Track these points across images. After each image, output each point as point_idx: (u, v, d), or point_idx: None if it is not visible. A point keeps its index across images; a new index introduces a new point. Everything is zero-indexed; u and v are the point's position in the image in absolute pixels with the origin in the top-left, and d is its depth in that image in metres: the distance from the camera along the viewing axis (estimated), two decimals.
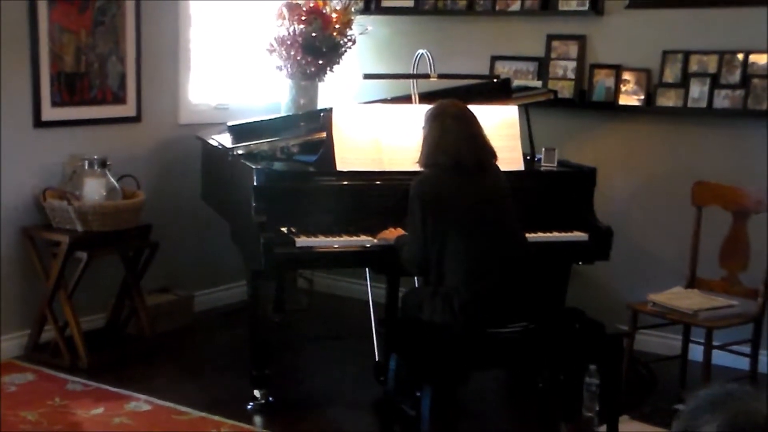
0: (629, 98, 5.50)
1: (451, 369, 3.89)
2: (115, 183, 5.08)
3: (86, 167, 5.02)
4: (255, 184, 4.28)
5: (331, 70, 5.86)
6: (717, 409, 1.56)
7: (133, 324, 5.40)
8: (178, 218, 5.79)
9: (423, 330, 3.91)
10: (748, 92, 5.12)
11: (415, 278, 4.88)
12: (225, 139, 4.93)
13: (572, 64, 5.69)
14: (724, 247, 4.92)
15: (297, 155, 4.82)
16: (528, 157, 4.88)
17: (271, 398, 4.54)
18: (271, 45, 5.76)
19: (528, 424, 4.59)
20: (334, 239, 4.30)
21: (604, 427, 4.18)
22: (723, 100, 5.20)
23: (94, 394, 4.63)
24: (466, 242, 3.86)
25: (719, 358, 4.78)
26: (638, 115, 5.52)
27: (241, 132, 4.90)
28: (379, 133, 4.52)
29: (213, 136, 5.12)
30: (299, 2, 5.73)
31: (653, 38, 5.42)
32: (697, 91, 5.28)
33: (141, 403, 4.53)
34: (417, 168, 4.26)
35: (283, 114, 5.75)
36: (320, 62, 5.74)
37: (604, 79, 5.59)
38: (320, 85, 5.91)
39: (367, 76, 5.17)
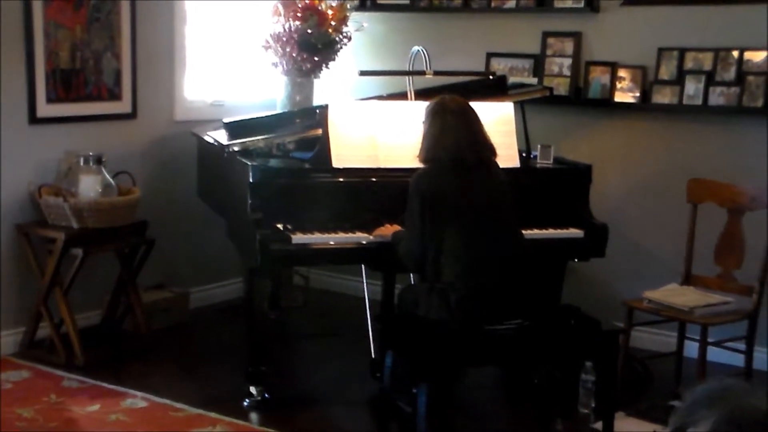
0: (625, 95, 5.50)
1: (447, 365, 3.90)
2: (110, 180, 5.08)
3: (82, 164, 5.01)
4: (251, 180, 4.28)
5: (326, 66, 5.86)
6: (713, 404, 1.56)
7: (128, 321, 5.40)
8: (173, 215, 5.79)
9: (419, 326, 3.92)
10: (743, 89, 5.13)
11: (411, 275, 4.90)
12: (221, 136, 4.93)
13: (568, 61, 5.70)
14: (720, 244, 4.93)
15: (293, 152, 4.82)
16: (524, 154, 4.88)
17: (267, 395, 4.54)
18: (267, 41, 5.76)
19: (524, 421, 4.59)
20: (330, 236, 4.30)
21: (599, 424, 4.19)
22: (718, 97, 5.21)
23: (90, 391, 4.63)
24: (464, 238, 3.86)
25: (714, 354, 4.79)
26: (634, 112, 5.53)
27: (236, 129, 4.90)
28: (374, 130, 4.52)
29: (209, 133, 5.11)
30: None
31: (649, 35, 5.42)
32: (693, 88, 5.28)
33: (137, 400, 4.53)
34: (413, 165, 4.26)
35: (278, 111, 5.75)
36: (316, 59, 5.74)
37: (599, 76, 5.59)
38: (316, 81, 5.91)
39: (363, 73, 5.17)
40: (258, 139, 4.72)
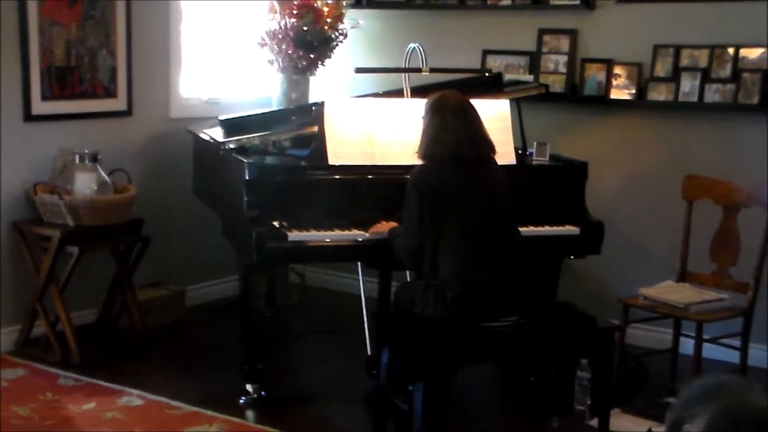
0: (620, 92, 5.51)
1: (444, 363, 3.90)
2: (106, 177, 5.07)
3: (77, 161, 5.00)
4: (247, 178, 4.28)
5: (322, 64, 5.87)
6: (710, 400, 1.56)
7: (124, 319, 5.39)
8: (169, 212, 5.78)
9: (415, 324, 3.92)
10: (739, 86, 5.13)
11: (407, 272, 4.89)
12: (216, 133, 4.93)
13: (563, 59, 5.70)
14: (715, 241, 4.93)
15: (289, 149, 4.82)
16: (520, 151, 4.89)
17: (263, 393, 4.54)
18: (263, 39, 5.76)
19: (520, 418, 4.59)
20: (326, 233, 4.30)
21: (595, 421, 4.20)
22: (714, 94, 5.21)
23: (86, 389, 4.63)
24: (461, 235, 3.87)
25: (710, 351, 4.80)
26: (629, 109, 5.53)
27: (232, 126, 4.90)
28: (370, 127, 4.52)
29: (204, 130, 5.11)
30: None
31: (644, 32, 5.43)
32: (688, 85, 5.28)
33: (133, 397, 4.53)
34: (409, 162, 4.27)
35: (274, 108, 5.75)
36: (311, 56, 5.74)
37: (595, 74, 5.59)
38: (311, 79, 5.92)
39: (359, 70, 5.17)
40: (254, 137, 4.72)
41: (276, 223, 4.26)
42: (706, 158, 5.26)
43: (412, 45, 5.01)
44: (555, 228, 4.62)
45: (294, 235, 4.23)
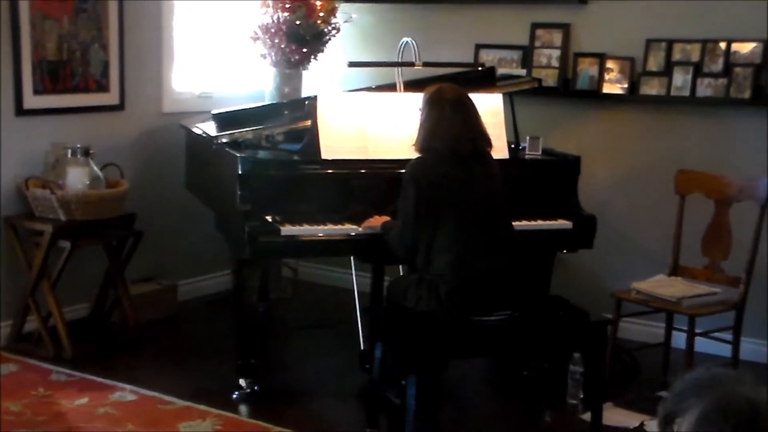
0: (613, 87, 5.51)
1: (437, 357, 3.90)
2: (98, 172, 5.07)
3: (69, 156, 5.00)
4: (240, 172, 4.27)
5: (315, 58, 5.86)
6: (702, 392, 1.57)
7: (117, 314, 5.39)
8: (162, 207, 5.77)
9: (408, 318, 3.92)
10: (731, 81, 5.14)
11: (400, 267, 4.90)
12: (209, 128, 4.92)
13: (556, 53, 5.70)
14: (707, 235, 4.94)
15: (282, 144, 4.81)
16: (512, 146, 4.89)
17: (256, 387, 4.54)
18: (255, 33, 5.75)
19: (513, 412, 4.60)
20: (319, 228, 4.30)
21: (588, 415, 4.20)
22: (706, 88, 5.22)
23: (79, 384, 4.62)
24: (457, 229, 3.87)
25: (702, 345, 4.80)
26: (622, 103, 5.54)
27: (225, 120, 4.89)
28: (364, 122, 4.52)
29: (197, 125, 5.10)
30: None
31: (637, 27, 5.43)
32: (680, 79, 5.29)
33: (126, 392, 4.52)
34: (402, 156, 4.27)
35: (267, 102, 5.74)
36: (304, 50, 5.73)
37: (587, 68, 5.59)
38: (304, 73, 5.91)
39: (352, 64, 5.16)
40: (247, 131, 4.71)
41: (269, 218, 4.26)
42: (698, 153, 5.27)
43: (405, 39, 5.01)
44: (548, 222, 4.62)
45: (287, 230, 4.23)
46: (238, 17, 6.09)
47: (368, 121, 4.52)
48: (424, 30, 5.85)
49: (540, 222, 4.60)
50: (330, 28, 5.83)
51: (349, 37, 6.16)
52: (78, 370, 4.78)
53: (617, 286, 5.00)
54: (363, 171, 4.45)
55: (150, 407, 4.37)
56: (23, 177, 5.01)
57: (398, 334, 3.97)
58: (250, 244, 4.17)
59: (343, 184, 4.44)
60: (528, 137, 4.94)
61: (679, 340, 4.88)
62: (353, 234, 4.31)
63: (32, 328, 5.08)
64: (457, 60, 5.60)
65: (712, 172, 5.00)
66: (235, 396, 4.51)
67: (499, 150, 4.60)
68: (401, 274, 4.83)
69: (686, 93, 5.26)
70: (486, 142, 4.07)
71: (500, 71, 5.50)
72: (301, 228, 4.26)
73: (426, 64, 4.95)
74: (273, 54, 5.74)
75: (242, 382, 4.54)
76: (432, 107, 4.02)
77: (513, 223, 4.24)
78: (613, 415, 4.36)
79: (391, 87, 4.92)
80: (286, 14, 5.66)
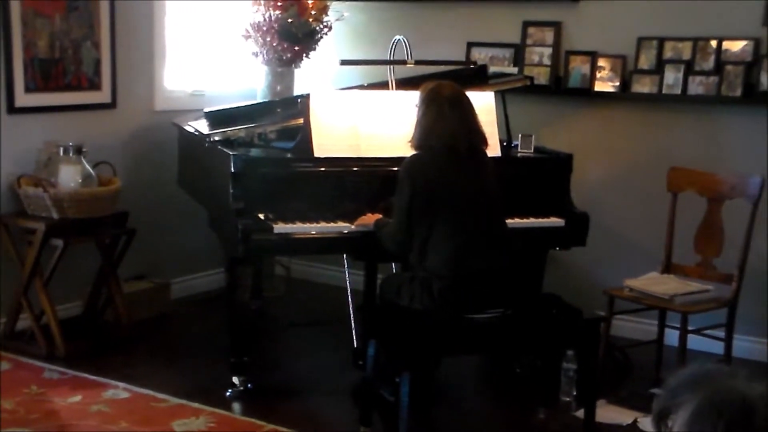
0: (605, 85, 5.52)
1: (430, 355, 3.91)
2: (90, 170, 5.06)
3: (61, 154, 4.98)
4: (232, 170, 4.27)
5: (307, 56, 5.86)
6: (696, 388, 1.57)
7: (109, 312, 5.38)
8: (154, 205, 5.77)
9: (401, 316, 3.93)
10: (722, 79, 5.15)
11: (393, 264, 4.90)
12: (202, 126, 4.92)
13: (548, 51, 5.71)
14: (699, 233, 4.96)
15: (274, 142, 4.81)
16: (505, 144, 4.89)
17: (249, 385, 4.54)
18: (247, 31, 5.75)
19: (506, 410, 4.61)
20: (312, 225, 4.30)
21: (581, 412, 4.21)
22: (697, 86, 5.23)
23: (72, 382, 4.62)
24: (453, 226, 3.87)
25: (694, 342, 4.82)
26: (614, 101, 5.54)
27: (218, 118, 4.89)
28: (356, 120, 4.52)
29: (190, 123, 5.10)
30: None
31: (628, 25, 5.44)
32: (672, 77, 5.30)
33: (119, 390, 4.52)
34: (395, 154, 4.28)
35: (259, 100, 5.74)
36: (296, 48, 5.73)
37: (579, 66, 5.60)
38: (296, 71, 5.91)
39: (344, 62, 5.17)
40: (239, 129, 4.71)
41: (262, 216, 4.26)
42: (690, 150, 5.28)
43: (397, 37, 5.01)
44: (540, 220, 4.63)
45: (280, 228, 4.23)
46: (230, 15, 6.09)
47: (361, 119, 4.53)
48: (416, 28, 5.85)
49: (532, 220, 4.61)
50: (322, 26, 5.83)
51: (341, 36, 6.16)
52: (71, 368, 4.77)
53: (610, 283, 5.01)
54: (355, 169, 4.45)
55: (143, 405, 4.37)
56: (15, 175, 5.00)
57: (391, 332, 3.97)
58: (243, 242, 4.17)
59: (336, 182, 4.44)
60: (520, 135, 4.94)
61: (671, 337, 4.89)
62: (346, 232, 4.31)
63: (25, 326, 5.07)
64: (449, 58, 5.61)
65: (704, 169, 5.01)
66: (228, 394, 4.51)
67: (492, 148, 4.59)
68: (394, 271, 4.83)
69: (678, 91, 5.28)
70: (482, 140, 4.08)
71: (492, 69, 5.50)
72: (294, 226, 4.27)
73: (418, 62, 4.96)
74: (265, 52, 5.74)
75: (235, 379, 4.54)
76: (429, 104, 4.02)
77: (506, 221, 4.25)
78: (606, 412, 4.37)
79: (383, 85, 4.93)
80: (278, 12, 5.66)
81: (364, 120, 4.53)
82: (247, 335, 4.65)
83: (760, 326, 5.14)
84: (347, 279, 5.06)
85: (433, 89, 4.06)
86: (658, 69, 5.34)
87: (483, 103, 4.69)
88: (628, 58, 5.46)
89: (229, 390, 4.52)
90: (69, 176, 4.95)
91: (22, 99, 5.07)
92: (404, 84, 4.84)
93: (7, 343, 5.03)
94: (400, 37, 4.99)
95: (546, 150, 5.01)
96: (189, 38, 6.09)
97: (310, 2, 5.75)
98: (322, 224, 4.31)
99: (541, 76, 5.69)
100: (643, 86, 5.39)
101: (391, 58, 5.03)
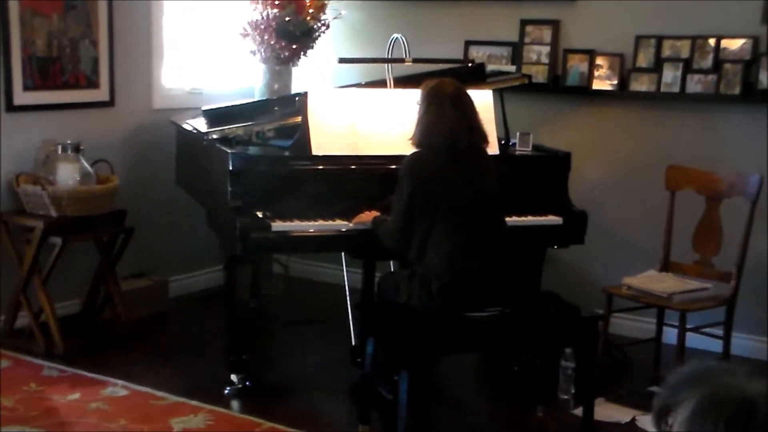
0: (603, 83, 5.52)
1: (428, 353, 3.91)
2: (89, 168, 5.06)
3: (59, 152, 4.98)
4: (230, 168, 4.27)
5: (305, 54, 5.86)
6: (696, 385, 1.57)
7: (108, 310, 5.38)
8: (152, 203, 5.77)
9: (400, 314, 3.93)
10: (721, 77, 5.15)
11: (391, 262, 4.90)
12: (200, 124, 4.92)
13: (546, 49, 5.71)
14: (698, 231, 4.96)
15: (272, 140, 4.81)
16: (503, 142, 4.89)
17: (248, 383, 4.54)
18: (245, 29, 5.75)
19: (504, 408, 4.61)
20: (310, 223, 4.30)
21: (579, 410, 4.22)
22: (696, 84, 5.23)
23: (70, 379, 4.62)
24: (452, 224, 3.87)
25: (693, 340, 4.82)
26: (612, 99, 5.55)
27: (216, 116, 4.89)
28: (354, 118, 4.52)
29: (188, 121, 5.10)
30: None
31: (626, 23, 5.44)
32: (670, 75, 5.30)
33: (118, 388, 4.52)
34: (393, 152, 4.28)
35: (257, 99, 5.74)
36: (294, 47, 5.73)
37: (577, 64, 5.60)
38: (294, 69, 5.91)
39: (342, 60, 5.17)
40: (237, 127, 4.71)
41: (260, 214, 4.26)
42: (688, 149, 5.28)
43: (395, 35, 5.01)
44: (538, 218, 4.63)
45: (278, 226, 4.23)
46: (228, 13, 6.08)
47: (359, 117, 4.53)
48: (414, 26, 5.85)
49: (530, 218, 4.61)
50: (320, 24, 5.84)
51: (338, 34, 6.16)
52: (70, 365, 4.77)
53: (608, 281, 5.01)
54: (353, 167, 4.45)
55: (142, 402, 4.37)
56: (14, 173, 5.00)
57: (390, 330, 3.97)
58: (241, 240, 4.17)
59: (334, 180, 4.44)
60: (518, 133, 4.95)
61: (670, 335, 4.90)
62: (344, 230, 4.32)
63: (24, 323, 5.07)
64: (447, 56, 5.60)
65: (702, 168, 5.02)
66: (227, 391, 4.51)
67: (490, 146, 4.61)
68: (392, 269, 4.83)
69: (676, 89, 5.28)
70: (483, 138, 4.08)
71: (490, 68, 5.50)
72: (292, 224, 4.27)
73: (416, 61, 4.95)
74: (263, 50, 5.74)
75: (234, 377, 4.54)
76: (431, 102, 4.01)
77: (505, 220, 4.25)
78: (604, 411, 4.37)
79: (381, 83, 4.93)
80: (275, 11, 5.66)
81: (362, 118, 4.53)
82: (246, 333, 4.66)
83: (759, 324, 5.15)
84: (345, 277, 5.06)
85: (435, 87, 4.05)
86: (657, 67, 5.34)
87: (481, 101, 4.67)
88: (626, 57, 5.46)
89: (228, 388, 4.52)
90: (67, 174, 4.95)
91: (21, 97, 5.07)
92: (402, 82, 4.85)
93: (6, 340, 5.03)
94: (398, 36, 4.99)
95: (544, 148, 5.01)
96: (187, 36, 6.09)
97: (307, 1, 5.75)
98: (320, 222, 4.32)
99: (539, 75, 5.69)
100: (641, 85, 5.39)
101: (389, 57, 5.03)
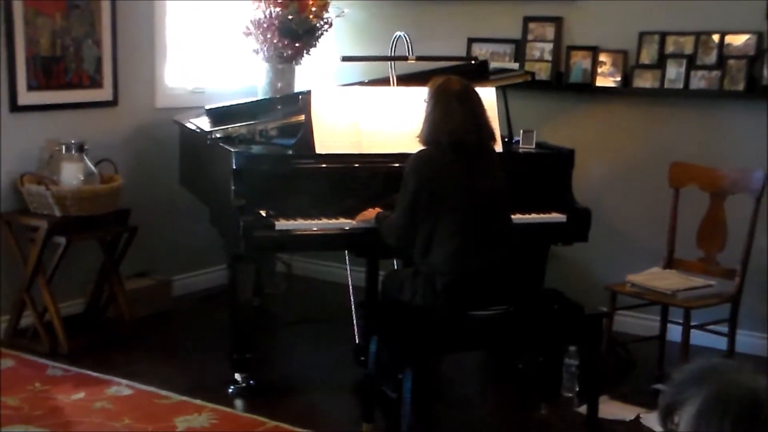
0: (606, 80, 5.51)
1: (432, 351, 3.91)
2: (92, 167, 5.06)
3: (63, 152, 4.99)
4: (234, 167, 4.28)
5: (307, 53, 5.85)
6: (702, 382, 1.57)
7: (112, 309, 5.38)
8: (156, 202, 5.77)
9: (404, 312, 3.92)
10: (724, 73, 5.14)
11: (395, 261, 4.90)
12: (203, 123, 4.92)
13: (549, 46, 5.70)
14: (702, 228, 4.95)
15: (275, 138, 4.81)
16: (506, 139, 4.89)
17: (252, 381, 4.54)
18: (248, 28, 5.75)
19: (508, 406, 4.60)
20: (313, 222, 4.30)
21: (583, 408, 4.21)
22: (699, 81, 5.22)
23: (75, 379, 4.62)
24: (457, 222, 3.86)
25: (697, 338, 4.81)
26: (615, 96, 5.54)
27: (219, 115, 4.89)
28: (357, 116, 4.52)
29: (191, 120, 5.10)
30: None
31: (629, 19, 5.43)
32: (674, 72, 5.29)
33: (122, 387, 4.52)
34: (396, 150, 4.28)
35: (260, 97, 5.74)
36: (297, 45, 5.73)
37: (580, 61, 5.60)
38: (297, 68, 5.90)
39: (345, 59, 5.16)
40: (241, 126, 4.71)
41: (263, 212, 4.26)
42: (692, 145, 5.27)
43: (397, 33, 5.01)
44: (542, 215, 4.63)
45: (281, 224, 4.23)
46: (231, 12, 6.08)
47: (362, 115, 4.53)
48: (417, 24, 5.85)
49: (534, 215, 4.61)
50: (322, 23, 5.83)
51: (341, 32, 6.16)
52: (74, 365, 4.77)
53: (612, 279, 5.01)
54: (357, 165, 4.45)
55: (146, 402, 4.37)
56: (18, 173, 5.00)
57: (394, 328, 3.97)
58: (244, 239, 4.18)
59: (337, 179, 4.44)
60: (521, 131, 4.95)
61: (674, 332, 4.89)
62: (347, 228, 4.32)
63: (28, 323, 5.07)
64: (450, 54, 5.60)
65: (706, 164, 5.01)
66: (230, 390, 4.51)
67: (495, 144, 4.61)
68: (396, 268, 4.83)
69: (680, 86, 5.27)
70: (490, 135, 4.07)
71: (493, 65, 5.49)
72: (296, 222, 4.27)
73: (419, 58, 4.95)
74: (265, 49, 5.74)
75: (238, 376, 4.54)
76: (438, 99, 4.00)
77: (511, 218, 4.24)
78: (608, 408, 4.37)
79: (384, 81, 4.93)
80: (278, 9, 5.66)
81: (365, 116, 4.53)
82: (249, 332, 4.65)
83: (764, 321, 5.14)
84: (348, 275, 5.06)
85: (442, 84, 4.04)
86: (660, 64, 5.33)
87: (484, 98, 4.65)
88: (629, 53, 5.45)
89: (232, 387, 4.52)
90: (71, 174, 4.95)
91: (25, 97, 5.08)
92: (405, 80, 4.84)
93: (10, 340, 5.04)
94: (401, 33, 4.98)
95: (547, 145, 5.01)
96: (190, 35, 6.09)
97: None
98: (324, 221, 4.32)
99: (542, 72, 5.68)
100: (644, 81, 5.38)
101: (392, 54, 5.03)
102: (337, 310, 5.39)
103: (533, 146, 4.93)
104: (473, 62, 5.35)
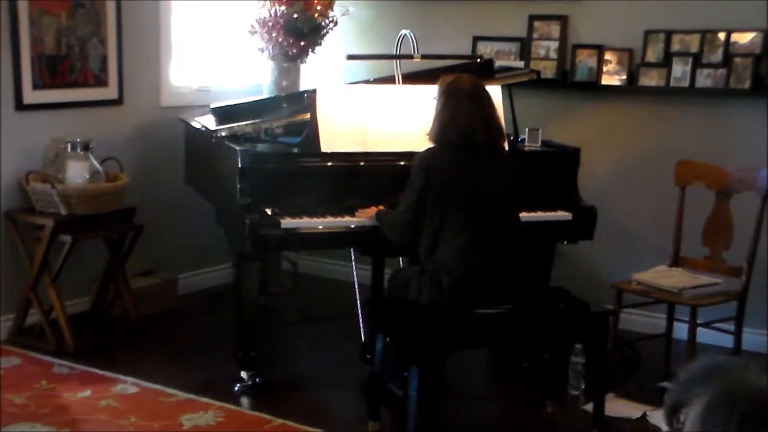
0: (611, 78, 5.51)
1: (438, 349, 3.91)
2: (98, 166, 5.06)
3: (69, 150, 4.99)
4: (239, 165, 4.28)
5: (312, 51, 5.85)
6: (708, 381, 1.56)
7: (117, 307, 5.39)
8: (161, 201, 5.78)
9: (410, 310, 3.92)
10: (730, 71, 5.14)
11: (401, 259, 4.90)
12: (208, 121, 4.93)
13: (554, 45, 5.70)
14: (708, 226, 4.94)
15: (281, 137, 4.81)
16: (512, 138, 4.89)
17: (258, 380, 4.55)
18: (253, 27, 5.75)
19: (514, 403, 4.60)
20: (319, 220, 4.30)
21: (589, 406, 4.21)
22: (705, 79, 5.21)
23: (81, 377, 4.63)
24: (464, 220, 3.86)
25: (703, 336, 4.80)
26: (621, 94, 5.53)
27: (224, 114, 4.89)
28: (363, 114, 4.52)
29: (196, 119, 5.10)
30: None
31: (635, 18, 5.43)
32: (680, 70, 5.29)
33: (128, 385, 4.53)
34: (401, 148, 4.28)
35: (265, 96, 5.74)
36: (302, 44, 5.73)
37: (586, 59, 5.59)
38: (302, 66, 5.90)
39: (351, 57, 5.16)
40: (246, 124, 4.71)
41: (269, 211, 4.26)
42: (698, 143, 5.27)
43: (403, 32, 5.01)
44: (548, 214, 4.63)
45: (287, 222, 4.23)
46: (236, 11, 6.08)
47: (367, 113, 4.53)
48: (422, 22, 5.84)
49: (540, 213, 4.61)
50: (327, 21, 5.83)
51: (347, 31, 6.16)
52: (80, 363, 4.78)
53: (618, 277, 5.00)
54: (362, 163, 4.45)
55: (152, 400, 4.38)
56: (23, 171, 5.01)
57: (400, 326, 3.97)
58: (250, 237, 4.18)
59: (343, 177, 4.44)
60: (527, 129, 4.94)
61: (680, 331, 4.88)
62: (353, 226, 4.32)
63: (34, 321, 5.08)
64: (455, 52, 5.60)
65: (712, 162, 5.00)
66: (236, 388, 4.52)
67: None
68: (402, 266, 4.83)
69: (685, 84, 5.26)
70: (500, 134, 4.07)
71: (498, 63, 5.49)
72: (301, 221, 4.27)
73: (424, 57, 4.95)
74: (271, 48, 5.74)
75: (243, 374, 4.55)
76: (448, 97, 4.00)
77: (519, 217, 4.23)
78: (614, 406, 4.36)
79: (389, 80, 4.93)
80: (283, 8, 5.66)
81: (371, 115, 4.53)
82: (255, 330, 4.65)
83: None
84: (354, 274, 5.06)
85: (453, 82, 4.04)
86: (666, 62, 5.32)
87: None
88: (635, 52, 5.44)
89: (238, 385, 4.53)
90: (76, 172, 4.96)
91: (30, 96, 5.08)
92: (411, 78, 4.84)
93: (16, 338, 5.05)
94: (407, 32, 4.98)
95: (553, 144, 5.00)
96: (195, 34, 6.09)
97: None
98: (329, 219, 4.32)
99: (548, 70, 5.68)
100: (650, 79, 5.37)
101: (398, 53, 5.03)
102: (343, 308, 5.40)
103: (539, 144, 4.92)
104: (478, 61, 5.34)
